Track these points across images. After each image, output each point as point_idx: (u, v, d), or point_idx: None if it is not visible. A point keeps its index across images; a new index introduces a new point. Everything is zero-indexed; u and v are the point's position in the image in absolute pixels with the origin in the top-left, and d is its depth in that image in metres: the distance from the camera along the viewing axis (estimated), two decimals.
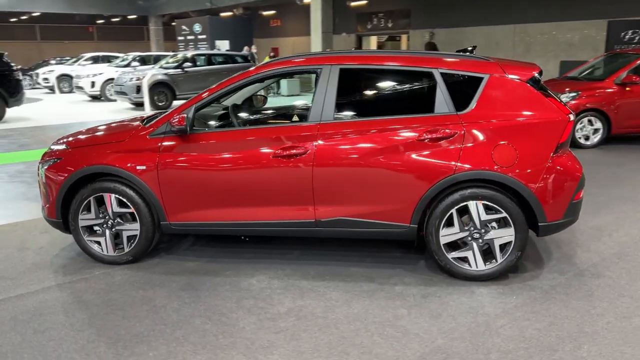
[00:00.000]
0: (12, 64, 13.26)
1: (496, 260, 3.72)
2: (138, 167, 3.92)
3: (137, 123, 4.28)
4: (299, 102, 5.31)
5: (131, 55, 19.77)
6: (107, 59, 21.90)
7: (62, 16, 33.65)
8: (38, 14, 32.31)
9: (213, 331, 3.16)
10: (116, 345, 3.03)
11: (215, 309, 3.43)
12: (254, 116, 4.61)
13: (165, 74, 14.85)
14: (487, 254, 3.76)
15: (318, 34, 20.84)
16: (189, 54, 16.10)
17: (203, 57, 16.03)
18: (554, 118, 3.62)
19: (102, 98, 17.55)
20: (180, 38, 23.92)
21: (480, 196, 3.62)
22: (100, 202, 4.05)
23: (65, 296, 3.64)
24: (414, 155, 3.65)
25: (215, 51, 18.81)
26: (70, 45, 37.16)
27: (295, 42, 31.55)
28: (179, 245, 4.55)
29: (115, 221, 4.06)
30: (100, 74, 17.67)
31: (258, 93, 5.27)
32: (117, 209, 4.03)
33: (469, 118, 3.65)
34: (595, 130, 8.56)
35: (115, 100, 16.81)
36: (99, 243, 4.11)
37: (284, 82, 18.17)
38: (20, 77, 13.30)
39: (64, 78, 20.83)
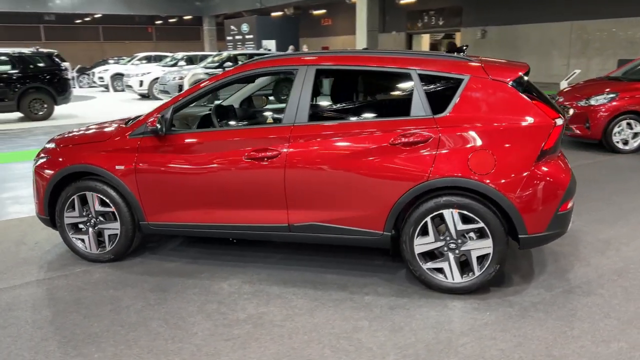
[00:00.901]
0: (61, 64, 13.86)
1: (473, 273, 3.51)
2: (117, 167, 3.96)
3: (122, 123, 4.32)
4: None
5: (179, 54, 20.27)
6: (159, 59, 22.57)
7: (123, 17, 35.03)
8: (101, 15, 33.72)
9: (165, 335, 3.13)
10: (67, 344, 3.05)
11: (176, 312, 3.40)
12: (238, 117, 4.55)
13: (207, 73, 15.11)
14: (466, 266, 3.55)
15: (363, 32, 20.66)
16: (232, 53, 16.31)
17: (245, 57, 16.19)
18: (537, 122, 3.37)
19: (150, 96, 18.07)
20: (229, 38, 24.31)
21: (456, 204, 3.42)
22: (84, 200, 4.11)
23: (40, 292, 3.71)
24: (387, 161, 3.49)
25: (257, 51, 18.98)
26: (130, 45, 38.55)
27: (346, 41, 31.43)
28: (165, 245, 4.57)
29: (98, 220, 4.12)
30: (149, 73, 18.22)
31: (257, 93, 5.23)
32: (99, 208, 4.08)
33: (446, 122, 3.45)
34: (635, 135, 8.01)
35: (161, 99, 17.27)
36: (83, 240, 4.18)
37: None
38: (69, 76, 13.88)
39: (118, 77, 21.62)
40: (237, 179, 3.76)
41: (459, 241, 3.48)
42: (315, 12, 31.89)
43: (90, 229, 4.14)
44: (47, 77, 13.38)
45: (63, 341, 3.09)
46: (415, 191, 3.45)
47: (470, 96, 3.46)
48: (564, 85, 10.33)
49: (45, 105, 13.31)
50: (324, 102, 4.06)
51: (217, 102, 4.56)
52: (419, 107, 3.52)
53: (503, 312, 3.33)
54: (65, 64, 14.00)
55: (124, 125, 4.15)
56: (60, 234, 4.24)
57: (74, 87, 23.82)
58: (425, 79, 3.58)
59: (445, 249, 3.52)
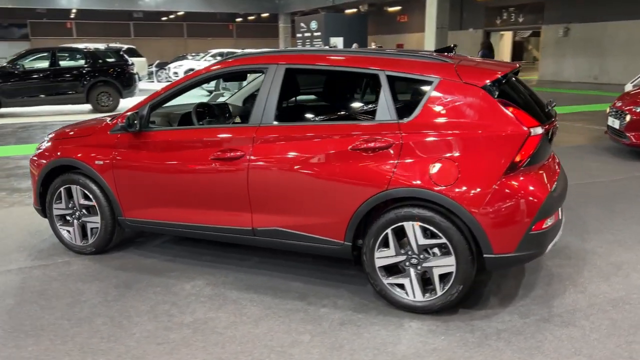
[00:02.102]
0: (128, 59, 14.53)
1: (435, 292, 3.23)
2: (97, 162, 4.02)
3: (110, 119, 4.39)
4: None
5: (247, 51, 20.66)
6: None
7: (205, 15, 36.23)
8: (184, 13, 35.09)
9: (103, 333, 3.12)
10: (10, 335, 3.12)
11: (126, 310, 3.39)
12: (216, 114, 4.46)
13: None
14: (429, 283, 3.28)
15: (432, 29, 20.04)
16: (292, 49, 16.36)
17: None
18: (508, 131, 3.03)
19: (216, 91, 18.54)
20: (298, 35, 24.45)
21: (417, 217, 3.16)
22: (71, 193, 4.22)
23: (14, 281, 3.84)
24: (347, 167, 3.29)
25: (316, 47, 18.94)
26: (212, 42, 39.86)
27: (420, 38, 30.67)
28: (152, 241, 4.59)
29: (82, 212, 4.21)
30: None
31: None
32: (82, 201, 4.17)
33: (410, 127, 3.19)
34: None
35: (223, 94, 17.66)
36: (69, 232, 4.29)
37: None
38: (134, 71, 14.52)
39: (190, 72, 22.39)
40: (204, 179, 3.70)
41: (421, 256, 3.22)
42: (390, 9, 31.40)
43: (75, 221, 4.24)
44: (115, 71, 14.07)
45: (8, 331, 3.16)
46: (375, 201, 3.23)
47: (438, 100, 3.18)
48: (628, 88, 9.44)
49: (112, 98, 13.98)
50: (294, 103, 3.90)
51: (202, 101, 4.51)
52: (385, 110, 3.28)
53: (460, 337, 3.04)
54: (141, 60, 14.64)
55: (109, 121, 4.21)
56: (50, 224, 4.38)
57: (152, 81, 25.07)
58: (393, 80, 3.33)
59: (407, 264, 3.27)
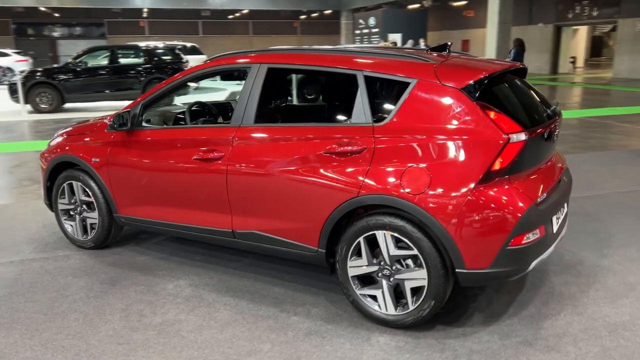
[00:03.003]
0: (183, 56, 14.93)
1: (407, 306, 3.04)
2: (93, 159, 4.09)
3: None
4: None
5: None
6: None
7: (270, 13, 36.67)
8: (248, 11, 35.70)
9: (71, 330, 3.16)
10: None
11: (102, 307, 3.43)
12: (213, 114, 4.41)
13: None
14: (402, 297, 3.09)
15: (494, 25, 19.26)
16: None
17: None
18: (485, 137, 2.79)
19: None
20: (357, 32, 24.23)
21: (388, 226, 2.98)
22: (73, 189, 4.32)
23: (11, 272, 3.97)
24: (320, 171, 3.15)
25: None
26: (276, 40, 40.37)
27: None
28: (153, 238, 4.64)
29: (82, 208, 4.31)
30: None
31: None
32: (82, 197, 4.27)
33: (384, 131, 3.01)
34: None
35: None
36: (72, 226, 4.41)
37: None
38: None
39: None
40: (188, 179, 3.68)
41: (393, 268, 3.04)
42: (456, 4, 30.52)
43: (77, 217, 4.35)
44: (170, 68, 14.49)
45: None
46: (346, 207, 3.08)
47: (414, 103, 2.99)
48: None
49: None
50: (275, 103, 3.79)
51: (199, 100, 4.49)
52: (361, 113, 3.12)
53: (427, 356, 2.84)
54: (201, 57, 14.99)
55: (107, 120, 4.27)
56: (56, 218, 4.51)
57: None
58: (371, 81, 3.16)
59: (379, 275, 3.10)
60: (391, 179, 2.93)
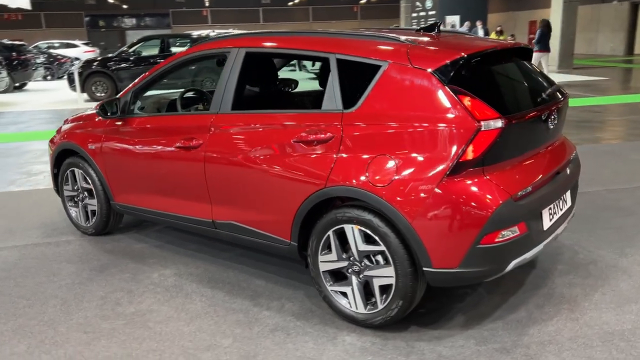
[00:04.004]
0: None
1: (376, 305, 2.85)
2: (90, 147, 4.13)
3: None
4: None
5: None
6: None
7: None
8: None
9: (45, 316, 3.17)
10: None
11: (83, 295, 3.44)
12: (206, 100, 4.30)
13: None
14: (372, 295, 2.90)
15: (559, 4, 18.23)
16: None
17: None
18: (454, 124, 2.54)
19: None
20: (413, 15, 23.58)
21: (355, 220, 2.80)
22: (75, 176, 4.39)
23: (14, 257, 4.07)
24: (290, 160, 3.01)
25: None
26: (336, 25, 40.07)
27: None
28: (155, 225, 4.64)
29: (84, 195, 4.37)
30: None
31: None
32: (83, 185, 4.33)
33: (352, 119, 2.82)
34: None
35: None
36: (76, 212, 4.49)
37: None
38: None
39: None
40: (172, 167, 3.63)
41: (362, 264, 2.86)
42: None
43: (80, 203, 4.42)
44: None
45: None
46: (315, 199, 2.91)
47: (384, 88, 2.77)
48: None
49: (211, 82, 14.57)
50: (253, 89, 3.65)
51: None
52: (332, 98, 2.93)
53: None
54: None
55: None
56: (62, 204, 4.61)
57: None
58: (344, 65, 2.96)
59: (349, 271, 2.92)
60: (357, 170, 2.74)
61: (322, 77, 3.58)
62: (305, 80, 7.55)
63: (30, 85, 18.67)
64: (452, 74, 2.62)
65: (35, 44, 25.72)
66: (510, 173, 2.68)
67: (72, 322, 3.12)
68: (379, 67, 2.79)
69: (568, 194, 3.16)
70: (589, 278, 3.41)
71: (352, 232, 2.82)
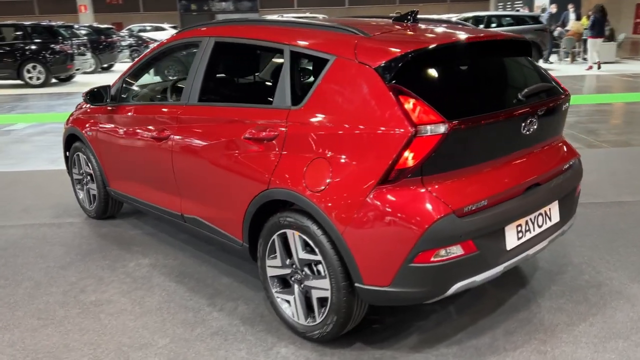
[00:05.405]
0: None
1: (315, 318, 2.65)
2: (88, 133, 4.20)
3: None
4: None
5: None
6: None
7: None
8: None
9: (12, 298, 3.25)
10: None
11: (56, 280, 3.49)
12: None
13: None
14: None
15: None
16: (471, 15, 15.01)
17: (484, 19, 14.73)
18: (391, 129, 2.26)
19: None
20: None
21: (295, 225, 2.60)
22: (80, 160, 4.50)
23: (17, 236, 4.22)
24: (240, 157, 2.86)
25: (499, 12, 16.97)
26: (424, 8, 38.75)
27: None
28: None
29: (87, 179, 4.47)
30: None
31: None
32: (86, 169, 4.43)
33: (297, 117, 2.61)
34: None
35: None
36: (82, 195, 4.61)
37: None
38: None
39: None
40: (149, 157, 3.60)
41: (303, 273, 2.67)
42: None
43: (85, 187, 4.53)
44: None
45: None
46: (259, 200, 2.75)
47: (329, 84, 2.53)
48: None
49: None
50: (221, 81, 3.49)
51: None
52: (282, 94, 2.73)
53: None
54: None
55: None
56: (72, 187, 4.75)
57: None
58: (296, 58, 2.74)
59: (292, 278, 2.74)
60: (296, 173, 2.54)
61: (270, 69, 3.40)
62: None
63: (117, 66, 19.65)
64: (397, 71, 2.33)
65: (128, 27, 27.15)
66: (459, 184, 2.36)
67: (32, 307, 3.18)
68: (326, 61, 2.56)
69: (554, 208, 2.77)
70: (582, 304, 2.99)
71: (294, 238, 2.63)
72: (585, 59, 14.87)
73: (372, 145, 2.31)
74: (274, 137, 2.66)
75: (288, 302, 2.79)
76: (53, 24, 15.45)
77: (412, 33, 2.76)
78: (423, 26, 2.86)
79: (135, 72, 3.87)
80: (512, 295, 3.11)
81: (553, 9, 17.01)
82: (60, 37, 14.71)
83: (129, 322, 2.98)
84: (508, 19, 14.76)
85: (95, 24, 21.20)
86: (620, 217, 4.17)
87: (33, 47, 14.27)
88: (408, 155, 2.22)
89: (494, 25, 14.58)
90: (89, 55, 16.24)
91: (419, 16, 3.03)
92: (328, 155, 2.44)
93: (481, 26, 14.33)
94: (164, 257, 3.79)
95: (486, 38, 2.74)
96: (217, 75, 3.55)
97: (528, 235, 2.60)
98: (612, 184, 4.98)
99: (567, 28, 16.26)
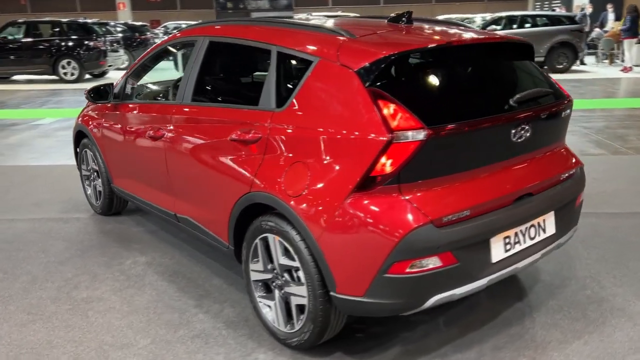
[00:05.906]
0: None
1: (293, 326, 2.60)
2: (94, 130, 4.24)
3: None
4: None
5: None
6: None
7: None
8: None
9: (7, 292, 3.30)
10: None
11: (52, 275, 3.53)
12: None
13: None
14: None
15: None
16: (504, 14, 14.66)
17: (517, 19, 14.36)
18: (367, 134, 2.19)
19: None
20: None
21: (275, 230, 2.55)
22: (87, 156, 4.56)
23: (23, 230, 4.30)
24: (226, 160, 2.82)
25: (533, 12, 16.51)
26: (460, 7, 38.20)
27: None
28: None
29: (94, 176, 4.52)
30: None
31: None
32: (92, 165, 4.48)
33: (280, 119, 2.56)
34: None
35: None
36: (90, 191, 4.67)
37: None
38: None
39: None
40: (147, 156, 3.60)
41: (284, 278, 2.62)
42: None
43: (92, 183, 4.59)
44: None
45: None
46: (242, 203, 2.71)
47: (312, 87, 2.47)
48: None
49: None
50: (214, 81, 3.45)
51: None
52: (267, 95, 2.68)
53: None
54: None
55: None
56: (81, 182, 4.81)
57: None
58: (282, 59, 2.69)
59: (274, 284, 2.70)
60: (276, 176, 2.49)
61: (259, 70, 3.36)
62: None
63: None
64: (378, 74, 2.25)
65: (164, 24, 27.58)
66: (440, 193, 2.26)
67: (24, 302, 3.21)
68: (310, 63, 2.50)
69: (549, 219, 2.64)
70: (579, 321, 2.85)
71: (274, 243, 2.58)
72: (623, 61, 14.36)
73: (349, 151, 2.24)
74: (257, 140, 2.62)
75: (269, 307, 2.74)
76: (88, 21, 15.79)
77: (401, 35, 2.67)
78: (416, 28, 2.76)
79: (137, 71, 3.88)
80: (507, 307, 2.99)
81: (588, 8, 16.47)
82: (94, 34, 15.02)
83: (115, 321, 2.99)
84: (543, 19, 14.32)
85: (130, 22, 21.58)
86: (633, 229, 3.97)
87: (68, 43, 14.63)
88: (385, 161, 2.15)
89: (528, 25, 14.18)
90: (121, 51, 16.53)
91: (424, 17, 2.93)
92: (307, 159, 2.38)
93: (514, 27, 13.97)
94: (161, 255, 3.79)
95: (478, 40, 2.63)
96: (210, 75, 3.52)
97: (517, 248, 2.48)
98: (631, 194, 4.75)
99: (605, 29, 15.74)
